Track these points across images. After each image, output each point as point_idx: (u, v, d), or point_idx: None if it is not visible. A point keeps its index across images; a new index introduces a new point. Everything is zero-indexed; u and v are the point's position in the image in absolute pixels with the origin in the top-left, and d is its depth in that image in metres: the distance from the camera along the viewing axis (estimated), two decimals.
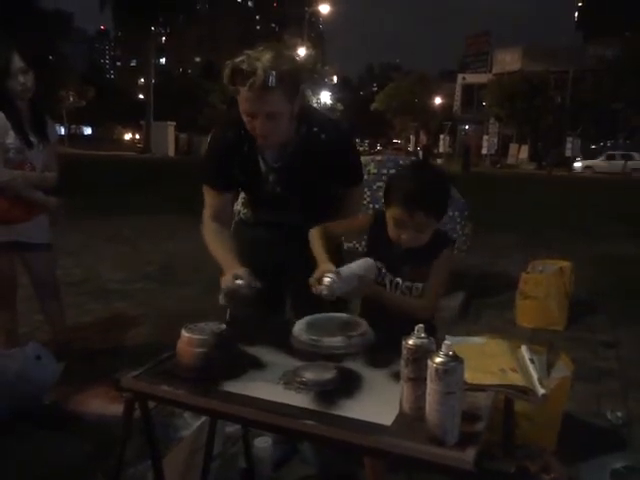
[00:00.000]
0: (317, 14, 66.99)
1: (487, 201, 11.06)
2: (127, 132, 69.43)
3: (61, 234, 4.24)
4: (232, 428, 2.22)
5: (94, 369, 2.93)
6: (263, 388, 1.32)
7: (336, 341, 1.48)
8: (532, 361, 1.43)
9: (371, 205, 4.18)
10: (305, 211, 1.94)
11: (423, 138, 52.47)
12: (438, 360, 1.09)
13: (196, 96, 42.10)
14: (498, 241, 7.50)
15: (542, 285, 4.13)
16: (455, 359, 1.10)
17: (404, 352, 1.18)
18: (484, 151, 39.50)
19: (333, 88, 60.20)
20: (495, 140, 40.71)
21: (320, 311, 1.67)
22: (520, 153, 39.40)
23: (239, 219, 2.20)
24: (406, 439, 1.12)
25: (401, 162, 4.85)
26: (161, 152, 33.90)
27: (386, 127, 56.97)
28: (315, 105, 26.49)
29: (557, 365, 2.37)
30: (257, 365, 1.44)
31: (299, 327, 1.56)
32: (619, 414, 2.70)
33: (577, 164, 33.75)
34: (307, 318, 1.61)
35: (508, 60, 43.01)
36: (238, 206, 2.20)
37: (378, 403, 1.26)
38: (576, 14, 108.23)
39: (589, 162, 33.12)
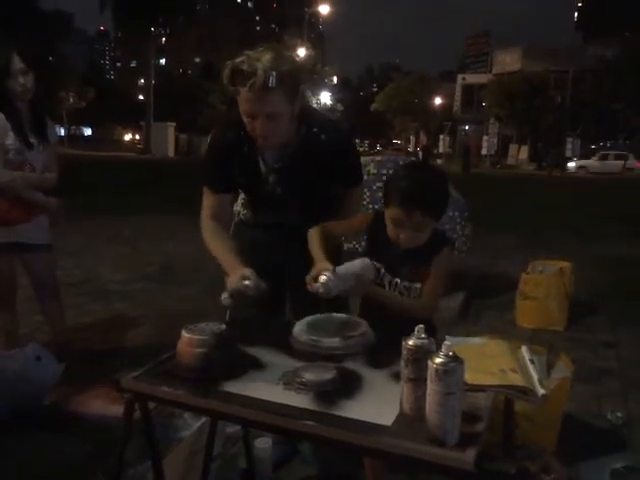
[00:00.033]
0: (317, 15, 67.10)
1: (487, 202, 11.06)
2: (127, 133, 69.42)
3: (61, 235, 4.24)
4: (232, 429, 2.22)
5: (94, 370, 2.93)
6: (263, 388, 1.32)
7: (336, 342, 1.48)
8: (532, 362, 1.43)
9: (371, 206, 4.18)
10: (305, 212, 1.94)
11: (423, 138, 52.47)
12: (438, 361, 1.09)
13: (196, 97, 42.14)
14: (498, 242, 7.50)
15: (542, 286, 4.13)
16: (455, 360, 1.10)
17: (404, 352, 1.18)
18: (484, 151, 39.50)
19: (333, 89, 60.23)
20: (495, 140, 40.71)
21: (320, 312, 1.67)
22: (520, 154, 39.40)
23: (239, 220, 2.20)
24: (406, 439, 1.12)
25: (401, 162, 4.85)
26: (161, 153, 33.90)
27: (386, 128, 57.01)
28: (315, 106, 26.48)
29: (557, 365, 2.37)
30: (257, 365, 1.44)
31: (299, 328, 1.56)
32: (619, 414, 2.70)
33: (571, 164, 33.83)
34: (307, 319, 1.61)
35: (508, 60, 43.03)
36: (238, 207, 2.20)
37: (378, 403, 1.26)
38: (576, 14, 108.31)
39: (582, 162, 33.20)
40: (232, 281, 1.69)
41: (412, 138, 56.24)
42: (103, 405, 2.47)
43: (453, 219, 4.57)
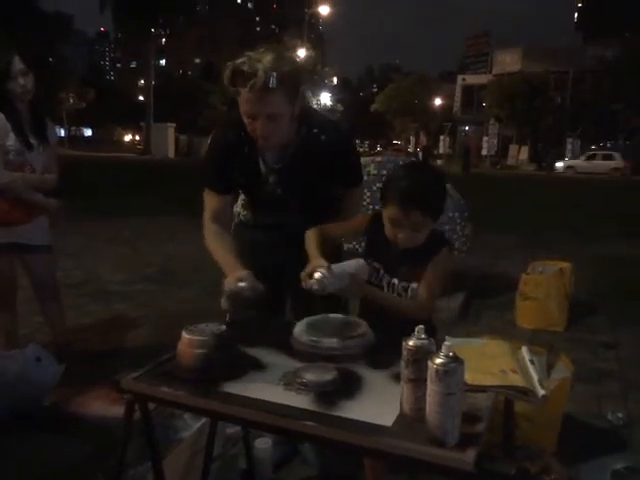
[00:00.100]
0: (317, 15, 67.16)
1: (487, 202, 11.06)
2: (127, 134, 69.43)
3: (61, 236, 4.24)
4: (232, 429, 2.22)
5: (94, 371, 2.93)
6: (263, 389, 1.32)
7: (336, 342, 1.48)
8: (532, 362, 1.43)
9: (371, 206, 4.18)
10: (305, 213, 1.94)
11: (423, 139, 52.47)
12: (438, 361, 1.09)
13: (196, 97, 42.15)
14: (498, 242, 7.50)
15: (542, 286, 4.13)
16: (455, 360, 1.10)
17: (404, 353, 1.18)
18: (484, 152, 39.50)
19: (333, 89, 60.26)
20: (495, 141, 40.72)
21: (320, 312, 1.67)
22: (520, 154, 39.39)
23: (239, 221, 2.20)
24: (406, 440, 1.12)
25: (401, 163, 4.85)
26: (161, 154, 33.91)
27: (386, 128, 56.97)
28: (315, 106, 26.51)
29: (557, 366, 2.37)
30: (257, 366, 1.44)
31: (299, 328, 1.56)
32: (619, 415, 2.70)
33: (558, 164, 33.82)
34: (307, 319, 1.61)
35: (508, 61, 43.02)
36: (238, 208, 2.20)
37: (378, 404, 1.26)
38: (576, 15, 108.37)
39: (570, 162, 33.17)
40: (228, 283, 1.69)
41: (412, 139, 56.22)
42: (103, 406, 2.48)
43: (453, 219, 4.57)
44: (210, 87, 41.66)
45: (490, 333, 3.02)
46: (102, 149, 40.75)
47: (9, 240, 2.67)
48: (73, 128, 63.18)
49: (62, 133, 44.42)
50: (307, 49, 37.31)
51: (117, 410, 1.95)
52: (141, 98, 48.01)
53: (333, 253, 1.78)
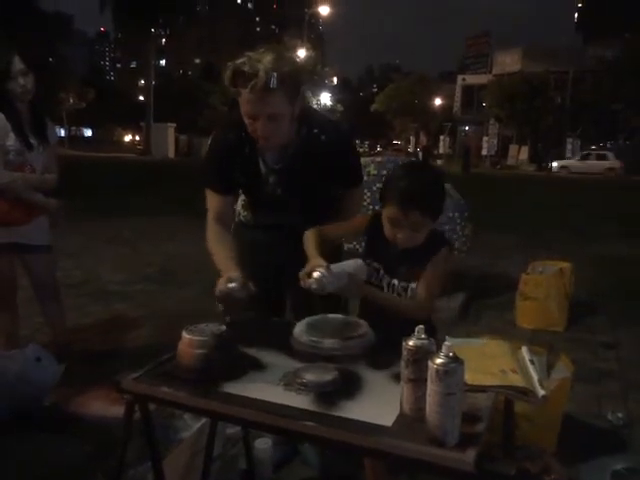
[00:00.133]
0: (317, 16, 67.15)
1: (487, 202, 11.06)
2: (127, 134, 69.43)
3: (61, 236, 4.24)
4: (232, 430, 2.22)
5: (94, 371, 2.93)
6: (263, 389, 1.32)
7: (336, 342, 1.48)
8: (532, 362, 1.43)
9: (371, 206, 4.17)
10: (305, 213, 1.95)
11: (423, 139, 52.47)
12: (438, 361, 1.09)
13: (196, 98, 42.13)
14: (498, 242, 7.50)
15: (542, 286, 4.13)
16: (455, 360, 1.10)
17: (404, 353, 1.18)
18: (484, 152, 39.49)
19: (333, 89, 60.25)
20: (495, 141, 40.71)
21: (319, 312, 1.67)
22: (520, 154, 39.38)
23: (239, 221, 2.20)
24: (406, 440, 1.12)
25: (401, 163, 4.85)
26: (161, 154, 33.90)
27: (386, 128, 56.96)
28: (315, 106, 26.50)
29: (557, 366, 2.37)
30: (257, 366, 1.45)
31: (299, 328, 1.56)
32: (619, 415, 2.70)
33: (553, 164, 33.71)
34: (307, 319, 1.61)
35: (508, 61, 43.01)
36: (238, 208, 2.20)
37: (378, 404, 1.26)
38: (576, 15, 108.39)
39: (564, 162, 33.09)
40: (219, 285, 1.68)
41: (412, 139, 56.22)
42: (103, 406, 2.48)
43: (453, 219, 4.57)
44: (210, 87, 41.65)
45: (490, 333, 3.02)
46: (102, 149, 40.74)
47: (9, 240, 2.67)
48: (73, 128, 63.16)
49: (62, 133, 44.41)
50: (307, 49, 37.30)
51: (117, 410, 1.95)
52: (141, 98, 47.99)
53: (333, 253, 1.78)
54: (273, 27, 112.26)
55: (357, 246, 3.46)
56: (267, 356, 1.50)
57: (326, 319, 1.64)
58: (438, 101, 48.81)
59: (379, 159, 5.06)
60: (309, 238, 1.73)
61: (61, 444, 2.31)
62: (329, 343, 1.48)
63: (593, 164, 31.14)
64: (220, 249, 1.87)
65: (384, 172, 4.58)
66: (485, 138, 40.44)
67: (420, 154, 36.31)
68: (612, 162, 30.86)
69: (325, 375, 1.34)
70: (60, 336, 2.95)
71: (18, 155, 2.64)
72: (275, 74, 1.63)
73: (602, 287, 5.22)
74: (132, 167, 22.68)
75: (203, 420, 2.06)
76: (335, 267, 1.55)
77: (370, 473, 1.82)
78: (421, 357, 1.15)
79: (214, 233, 1.93)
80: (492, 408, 1.27)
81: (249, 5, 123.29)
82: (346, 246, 2.37)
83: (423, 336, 1.18)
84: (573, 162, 32.59)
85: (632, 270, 5.96)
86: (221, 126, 2.02)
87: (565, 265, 4.35)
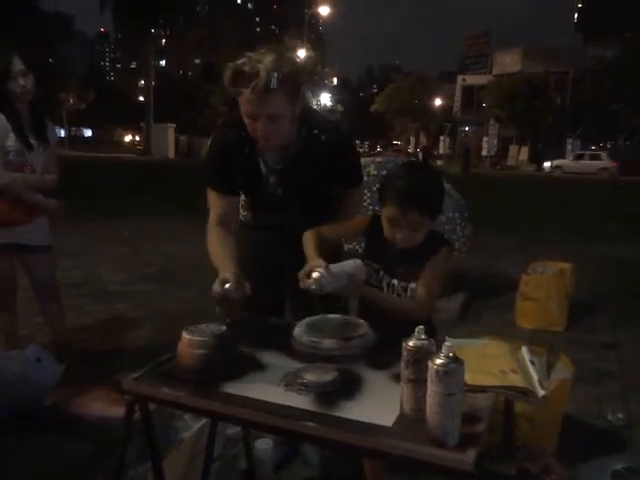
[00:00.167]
0: (317, 16, 67.10)
1: (487, 202, 11.07)
2: (127, 134, 69.44)
3: (61, 236, 4.24)
4: (233, 430, 2.22)
5: (94, 371, 2.93)
6: (264, 390, 1.32)
7: (337, 343, 1.48)
8: (532, 362, 1.43)
9: (371, 207, 4.18)
10: (305, 213, 1.95)
11: (423, 139, 52.49)
12: (438, 362, 1.09)
13: (196, 98, 42.13)
14: (498, 242, 7.50)
15: (542, 286, 4.14)
16: (455, 360, 1.10)
17: (404, 354, 1.18)
18: (484, 152, 39.53)
19: (333, 90, 60.20)
20: (495, 141, 40.75)
21: (319, 313, 1.67)
22: (520, 154, 39.41)
23: (239, 221, 2.20)
24: (406, 440, 1.12)
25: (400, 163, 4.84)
26: (161, 154, 33.91)
27: (386, 128, 56.99)
28: (315, 107, 26.52)
29: (557, 366, 2.37)
30: (257, 367, 1.44)
31: (300, 329, 1.56)
32: (619, 415, 2.70)
33: (546, 164, 33.83)
34: (307, 320, 1.61)
35: (508, 61, 43.01)
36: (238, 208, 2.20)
37: (378, 405, 1.26)
38: (576, 15, 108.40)
39: (558, 162, 33.15)
40: (214, 286, 1.67)
41: (412, 139, 56.24)
42: (103, 406, 2.48)
43: (453, 220, 4.57)
44: (210, 87, 41.65)
45: (490, 333, 3.01)
46: (102, 149, 40.73)
47: (9, 241, 2.67)
48: (73, 128, 63.18)
49: (62, 133, 44.41)
50: (307, 50, 37.30)
51: (117, 410, 1.95)
52: (141, 98, 48.02)
53: (333, 254, 1.78)
54: (273, 27, 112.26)
55: (357, 246, 3.46)
56: (267, 356, 1.50)
57: (326, 319, 1.64)
58: (438, 101, 48.82)
59: (379, 159, 5.06)
60: (308, 239, 1.73)
61: (61, 444, 2.31)
62: (329, 343, 1.48)
63: (587, 164, 31.29)
64: (219, 250, 1.87)
65: (384, 172, 4.57)
66: (485, 138, 40.48)
67: (420, 154, 36.32)
68: (605, 162, 30.99)
69: (325, 375, 1.34)
70: (60, 336, 2.95)
71: (18, 156, 2.64)
72: (276, 74, 1.63)
73: (602, 287, 5.22)
74: (132, 167, 22.68)
75: (203, 420, 2.06)
76: (334, 267, 1.55)
77: (370, 473, 1.82)
78: (421, 357, 1.15)
79: (214, 233, 1.93)
80: (492, 408, 1.27)
81: (249, 5, 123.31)
82: (346, 246, 2.37)
83: (423, 336, 1.18)
84: (567, 162, 32.70)
85: (632, 270, 5.96)
86: (221, 126, 2.01)
87: (565, 265, 4.35)
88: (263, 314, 1.86)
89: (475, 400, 1.25)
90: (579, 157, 32.72)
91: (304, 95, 1.85)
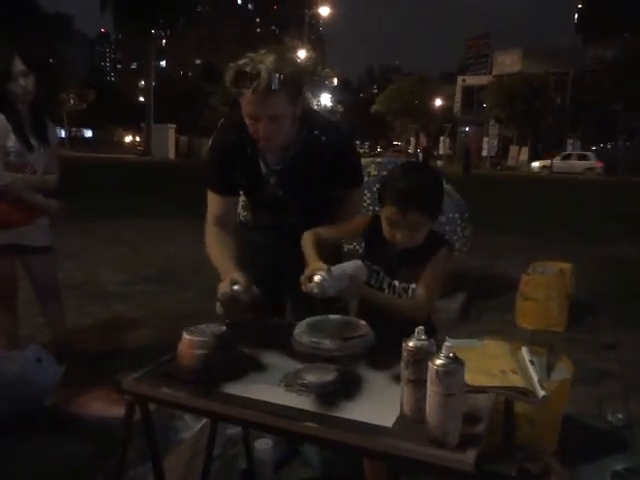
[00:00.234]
0: (317, 16, 67.06)
1: (487, 203, 11.07)
2: (127, 135, 69.45)
3: (61, 237, 4.23)
4: (233, 430, 2.22)
5: (95, 371, 2.93)
6: (264, 390, 1.32)
7: (337, 343, 1.48)
8: (532, 363, 1.43)
9: (371, 207, 4.17)
10: (305, 214, 1.94)
11: (423, 140, 52.46)
12: (439, 362, 1.09)
13: (196, 98, 42.16)
14: (498, 242, 7.50)
15: (542, 287, 4.14)
16: (455, 361, 1.10)
17: (404, 354, 1.18)
18: (484, 153, 39.51)
19: (333, 90, 60.09)
20: (495, 142, 40.73)
21: (320, 313, 1.67)
22: (520, 155, 39.39)
23: (239, 222, 2.20)
24: (407, 441, 1.12)
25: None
26: (161, 155, 33.90)
27: (386, 129, 56.98)
28: (315, 107, 26.51)
29: (557, 367, 2.36)
30: (258, 367, 1.45)
31: (300, 329, 1.56)
32: (620, 416, 2.70)
33: (534, 164, 34.12)
34: (308, 320, 1.61)
35: (508, 62, 43.01)
36: (238, 209, 2.20)
37: (379, 405, 1.26)
38: (576, 15, 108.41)
39: (546, 162, 33.36)
40: (222, 287, 1.67)
41: (412, 140, 56.22)
42: (103, 406, 2.48)
43: (453, 220, 4.57)
44: (211, 88, 41.66)
45: (490, 334, 3.02)
46: (102, 150, 40.76)
47: (10, 241, 2.67)
48: (74, 129, 63.22)
49: (63, 134, 44.46)
50: (307, 50, 37.26)
51: (117, 411, 1.95)
52: (141, 99, 48.03)
53: (333, 254, 1.78)
54: (273, 28, 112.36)
55: (357, 247, 3.46)
56: (268, 357, 1.50)
57: (326, 320, 1.63)
58: (438, 102, 48.79)
59: (379, 160, 5.06)
60: (307, 240, 1.72)
61: (61, 445, 2.31)
62: (329, 344, 1.48)
63: (574, 164, 32.01)
64: (219, 251, 1.87)
65: (384, 173, 4.58)
66: (485, 139, 40.46)
67: (420, 155, 36.31)
68: (592, 162, 31.79)
69: (325, 376, 1.34)
70: (60, 337, 2.95)
71: (19, 156, 2.64)
72: (277, 75, 1.63)
73: (602, 287, 5.22)
74: (132, 168, 22.69)
75: (203, 420, 2.06)
76: (335, 269, 1.54)
77: (370, 474, 1.82)
78: (421, 358, 1.15)
79: (214, 235, 1.93)
80: (492, 409, 1.27)
81: (249, 6, 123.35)
82: (346, 247, 2.37)
83: (423, 337, 1.18)
84: (555, 162, 32.92)
85: (633, 270, 5.96)
86: (221, 127, 2.01)
87: (565, 266, 4.35)
88: (263, 315, 1.86)
89: (475, 400, 1.25)
90: (567, 157, 33.27)
91: (305, 96, 1.85)
